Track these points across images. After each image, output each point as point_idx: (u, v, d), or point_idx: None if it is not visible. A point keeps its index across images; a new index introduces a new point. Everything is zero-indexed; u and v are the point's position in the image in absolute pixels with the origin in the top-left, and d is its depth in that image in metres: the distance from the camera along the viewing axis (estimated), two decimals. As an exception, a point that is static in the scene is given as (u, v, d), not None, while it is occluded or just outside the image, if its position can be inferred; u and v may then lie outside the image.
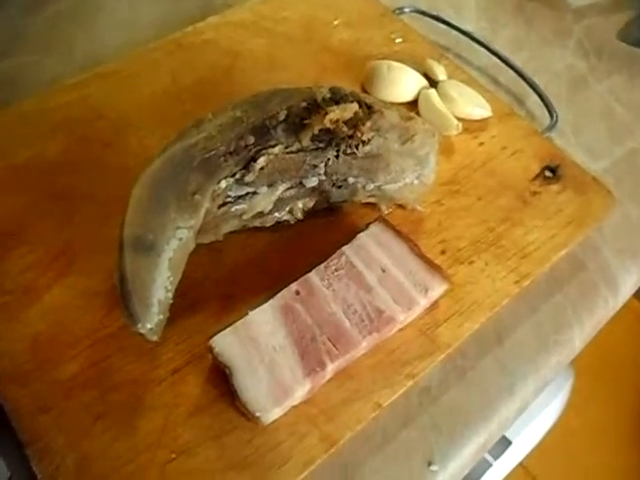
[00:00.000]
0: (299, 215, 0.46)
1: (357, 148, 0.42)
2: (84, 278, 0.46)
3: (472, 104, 0.56)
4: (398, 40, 0.64)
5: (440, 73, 0.58)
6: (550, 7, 0.75)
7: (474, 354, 0.47)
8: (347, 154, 0.42)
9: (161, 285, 0.39)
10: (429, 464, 0.42)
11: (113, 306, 0.44)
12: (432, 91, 0.56)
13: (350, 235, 0.48)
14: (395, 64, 0.56)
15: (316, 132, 0.41)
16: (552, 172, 0.54)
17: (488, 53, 0.67)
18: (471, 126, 0.57)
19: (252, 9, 0.65)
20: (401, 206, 0.50)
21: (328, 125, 0.41)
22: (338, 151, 0.42)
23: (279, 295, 0.41)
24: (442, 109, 0.55)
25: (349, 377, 0.42)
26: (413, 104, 0.57)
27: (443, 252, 0.49)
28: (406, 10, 0.68)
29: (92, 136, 0.54)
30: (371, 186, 0.45)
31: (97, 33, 0.66)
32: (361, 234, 0.44)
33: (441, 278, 0.43)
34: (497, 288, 0.47)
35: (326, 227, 0.49)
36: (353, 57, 0.62)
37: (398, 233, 0.44)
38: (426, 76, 0.59)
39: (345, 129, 0.41)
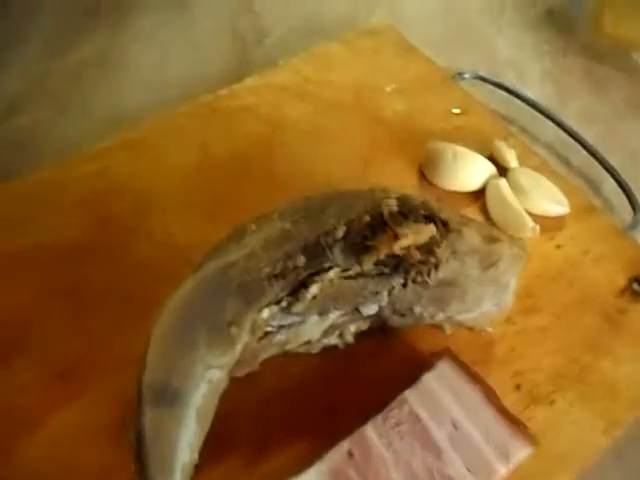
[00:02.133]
0: (350, 339, 0.39)
1: (429, 276, 0.35)
2: (93, 405, 0.39)
3: (548, 199, 0.48)
4: (456, 111, 0.57)
5: (511, 159, 0.51)
6: (623, 71, 0.68)
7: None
8: (416, 282, 0.35)
9: (187, 444, 0.32)
10: None
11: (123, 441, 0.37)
12: (502, 182, 0.49)
13: (407, 362, 0.40)
14: (461, 150, 0.49)
15: (382, 257, 0.34)
16: (641, 285, 0.47)
17: (555, 126, 0.60)
18: (545, 224, 0.49)
19: (295, 69, 0.58)
20: (468, 327, 0.43)
21: (397, 252, 0.33)
22: (406, 279, 0.35)
23: (327, 457, 0.34)
24: (515, 205, 0.47)
25: None
26: (478, 193, 0.50)
27: (518, 387, 0.41)
28: (466, 76, 0.61)
29: (113, 218, 0.47)
30: (441, 316, 0.37)
31: (120, 89, 0.59)
32: (427, 375, 0.37)
33: (525, 439, 0.35)
34: (583, 439, 0.39)
35: (378, 351, 0.41)
36: (409, 132, 0.54)
37: (471, 374, 0.37)
38: (491, 159, 0.52)
39: (417, 255, 0.34)
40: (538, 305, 0.45)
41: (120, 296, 0.43)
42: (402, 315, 0.37)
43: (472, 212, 0.49)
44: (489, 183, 0.49)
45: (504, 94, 0.61)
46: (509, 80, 0.64)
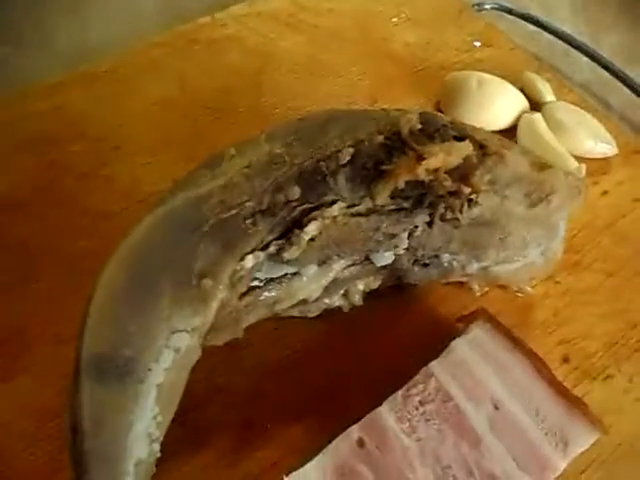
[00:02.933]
0: (357, 300, 0.31)
1: (461, 212, 0.27)
2: (34, 385, 0.31)
3: (593, 137, 0.40)
4: (477, 44, 0.48)
5: (546, 92, 0.42)
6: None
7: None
8: (446, 220, 0.27)
9: (143, 434, 0.24)
10: None
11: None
12: (537, 116, 0.40)
13: (429, 329, 0.33)
14: (487, 77, 0.41)
15: (401, 185, 0.26)
16: None
17: (592, 64, 0.52)
18: (590, 167, 0.41)
19: (289, -3, 0.50)
20: (501, 285, 0.35)
21: (423, 177, 0.25)
22: (432, 215, 0.27)
23: (332, 448, 0.26)
24: (554, 144, 0.39)
25: None
26: (509, 131, 0.42)
27: (566, 359, 0.33)
28: (487, 6, 0.52)
29: (65, 163, 0.39)
30: (474, 266, 0.29)
31: (87, 20, 0.50)
32: (457, 341, 0.29)
33: (587, 421, 0.27)
34: (652, 422, 0.32)
35: (394, 316, 0.33)
36: (423, 66, 0.46)
37: (514, 340, 0.29)
38: (525, 94, 0.44)
39: (448, 183, 0.26)
40: (586, 261, 0.37)
41: (74, 252, 0.35)
42: (425, 265, 0.29)
43: (501, 155, 0.41)
44: (522, 119, 0.41)
45: (531, 28, 0.53)
46: (535, 14, 0.56)
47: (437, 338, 0.31)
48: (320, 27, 0.47)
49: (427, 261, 0.29)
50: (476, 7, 0.52)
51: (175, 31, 0.46)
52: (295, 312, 0.30)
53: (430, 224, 0.27)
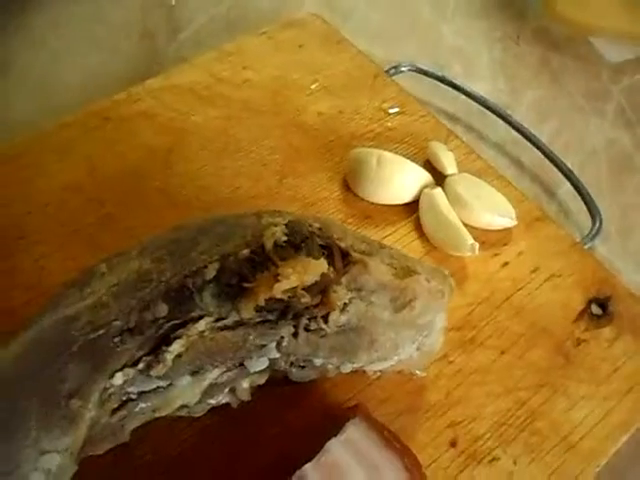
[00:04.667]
0: (245, 397, 0.32)
1: (326, 322, 0.28)
2: None
3: (492, 210, 0.41)
4: (393, 110, 0.49)
5: (449, 164, 0.43)
6: (581, 61, 0.61)
7: None
8: (310, 330, 0.28)
9: None
10: None
11: None
12: (438, 192, 0.42)
13: (321, 418, 0.34)
14: (387, 155, 0.42)
15: (262, 303, 0.27)
16: (601, 308, 0.40)
17: (505, 124, 0.53)
18: (490, 238, 0.42)
19: (206, 67, 0.50)
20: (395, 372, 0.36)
21: (279, 296, 0.26)
22: (297, 327, 0.28)
23: None
24: (451, 219, 0.40)
25: None
26: (412, 205, 0.43)
27: (453, 444, 0.34)
28: (403, 69, 0.54)
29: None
30: (348, 367, 0.30)
31: (4, 96, 0.51)
32: (332, 441, 0.30)
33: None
34: (533, 505, 0.33)
35: (284, 404, 0.34)
36: (332, 137, 0.47)
37: (388, 439, 0.30)
38: (429, 164, 0.45)
39: (306, 299, 0.27)
40: (480, 338, 0.38)
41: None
42: (302, 367, 0.30)
43: (405, 228, 0.42)
44: (422, 194, 0.42)
45: (449, 89, 0.55)
46: (456, 72, 0.57)
47: (328, 424, 0.32)
48: (234, 99, 0.48)
49: (302, 364, 0.30)
50: (393, 70, 0.53)
51: (87, 109, 0.46)
52: (182, 413, 0.31)
53: (296, 335, 0.28)
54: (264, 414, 0.34)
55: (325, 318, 0.27)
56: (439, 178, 0.44)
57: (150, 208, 0.42)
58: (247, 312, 0.27)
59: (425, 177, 0.43)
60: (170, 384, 0.28)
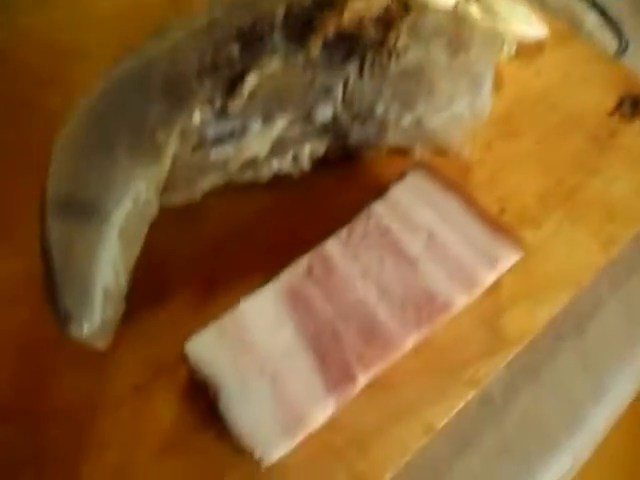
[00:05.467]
0: (306, 164, 0.34)
1: (389, 58, 0.29)
2: (10, 256, 0.33)
3: (525, 22, 0.43)
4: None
5: (481, -18, 0.45)
6: None
7: (548, 349, 0.35)
8: (375, 68, 0.30)
9: (108, 265, 0.26)
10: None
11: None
12: (473, 5, 0.43)
13: (373, 192, 0.35)
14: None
15: (330, 36, 0.28)
16: (634, 105, 0.42)
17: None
18: (522, 50, 0.44)
19: None
20: (441, 153, 0.38)
21: (347, 25, 0.28)
22: (362, 64, 0.29)
23: (283, 275, 0.29)
24: (488, 25, 0.42)
25: (386, 389, 0.30)
26: (446, 23, 0.44)
27: (503, 211, 0.36)
28: None
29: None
30: (408, 118, 0.32)
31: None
32: (396, 186, 0.32)
33: (512, 242, 0.30)
34: (577, 258, 0.35)
35: (342, 183, 0.36)
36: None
37: (447, 182, 0.32)
38: (459, -12, 0.46)
39: (372, 31, 0.28)
40: (519, 129, 0.40)
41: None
42: (363, 122, 0.32)
43: (440, 44, 0.44)
44: (458, 7, 0.43)
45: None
46: None
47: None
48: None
49: (364, 115, 0.31)
50: None
51: None
52: (247, 176, 0.33)
53: (361, 73, 0.29)
54: (321, 189, 0.36)
55: (389, 55, 0.29)
56: (470, -1, 0.45)
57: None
58: (315, 49, 0.29)
59: (458, -8, 0.44)
60: (243, 128, 0.30)
